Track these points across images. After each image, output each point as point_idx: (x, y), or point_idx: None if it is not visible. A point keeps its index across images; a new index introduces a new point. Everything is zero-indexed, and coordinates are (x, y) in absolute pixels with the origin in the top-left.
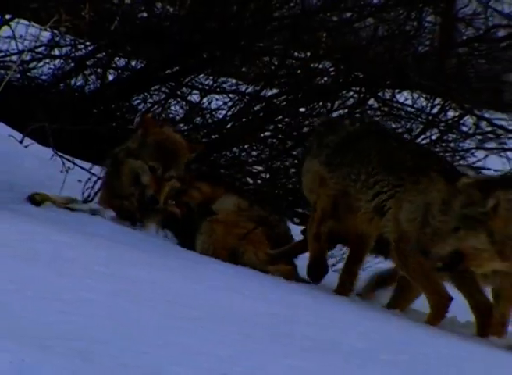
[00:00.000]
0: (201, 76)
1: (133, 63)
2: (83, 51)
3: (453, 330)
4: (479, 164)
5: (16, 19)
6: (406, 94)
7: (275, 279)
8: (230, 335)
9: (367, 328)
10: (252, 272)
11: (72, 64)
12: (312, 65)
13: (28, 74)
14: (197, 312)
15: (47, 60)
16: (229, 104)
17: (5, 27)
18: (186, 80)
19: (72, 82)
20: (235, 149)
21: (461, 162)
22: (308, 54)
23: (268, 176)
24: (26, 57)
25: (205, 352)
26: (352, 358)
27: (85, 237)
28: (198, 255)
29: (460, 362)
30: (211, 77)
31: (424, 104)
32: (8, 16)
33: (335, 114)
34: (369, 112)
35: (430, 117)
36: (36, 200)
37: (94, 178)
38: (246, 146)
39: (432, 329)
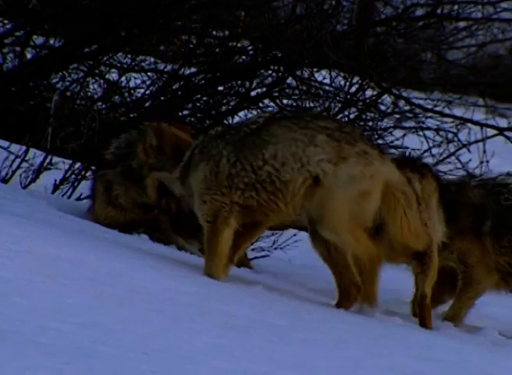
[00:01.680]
0: (120, 54)
1: (52, 41)
2: (1, 29)
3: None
4: (397, 143)
5: None
6: (324, 73)
7: (196, 258)
8: (149, 313)
9: (285, 307)
10: (173, 251)
11: None
12: (230, 44)
13: None
14: (117, 290)
15: None
16: (148, 82)
17: None
18: (105, 58)
19: None
20: None
21: (380, 141)
22: (227, 33)
23: None
24: None
25: (124, 330)
26: (270, 336)
27: (1, 216)
28: (120, 234)
29: (376, 338)
30: (129, 56)
31: (342, 83)
32: None
33: (253, 93)
34: (287, 90)
35: (348, 96)
36: None
37: (12, 157)
38: None
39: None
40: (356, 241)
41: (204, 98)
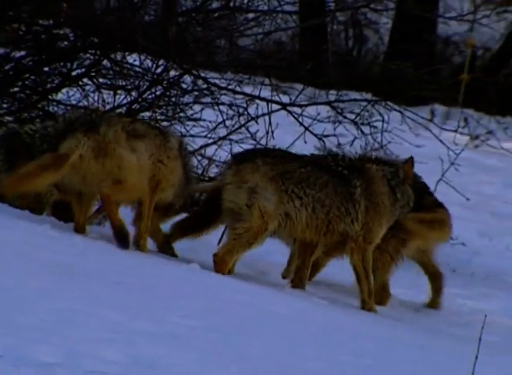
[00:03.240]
0: None
1: None
2: None
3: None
4: (197, 116)
5: None
6: (134, 56)
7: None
8: None
9: (100, 251)
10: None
11: None
12: (55, 31)
13: None
14: None
15: None
16: None
17: None
18: None
19: None
20: None
21: (181, 115)
22: (51, 21)
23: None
24: None
25: None
26: (85, 279)
27: None
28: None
29: (180, 282)
30: None
31: (150, 64)
32: None
33: (74, 73)
34: (103, 71)
35: (155, 76)
36: None
37: None
38: None
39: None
40: None
41: (32, 77)
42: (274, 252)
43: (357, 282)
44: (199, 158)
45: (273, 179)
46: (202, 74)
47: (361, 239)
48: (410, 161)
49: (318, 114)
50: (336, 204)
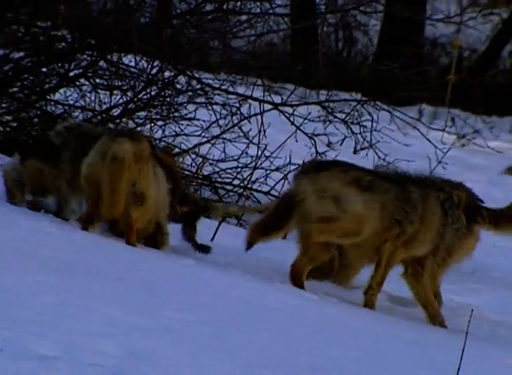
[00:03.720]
0: None
1: None
2: None
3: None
4: (191, 115)
5: None
6: (130, 57)
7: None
8: None
9: (99, 248)
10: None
11: None
12: (52, 32)
13: None
14: None
15: None
16: None
17: None
18: None
19: None
20: None
21: (176, 114)
22: (49, 23)
23: (15, 125)
24: None
25: None
26: (86, 276)
27: None
28: None
29: (176, 277)
30: None
31: (145, 65)
32: None
33: (71, 73)
34: (100, 71)
35: (150, 76)
36: None
37: None
38: None
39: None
40: None
41: (31, 78)
42: (265, 248)
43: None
44: (193, 156)
45: (351, 183)
46: (196, 75)
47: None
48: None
49: (309, 113)
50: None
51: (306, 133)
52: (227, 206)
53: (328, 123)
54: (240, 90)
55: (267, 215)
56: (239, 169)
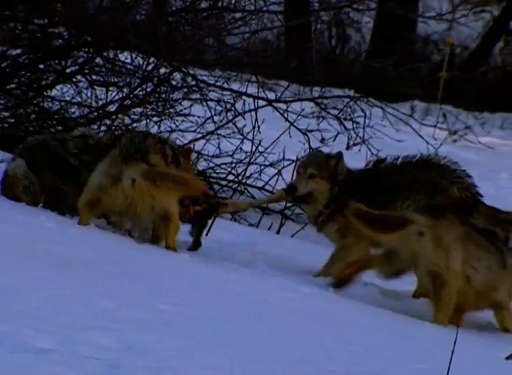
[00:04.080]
0: None
1: None
2: None
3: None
4: (186, 111)
5: None
6: (126, 54)
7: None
8: None
9: (95, 243)
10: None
11: None
12: (49, 30)
13: None
14: None
15: None
16: None
17: None
18: None
19: None
20: None
21: (171, 110)
22: (46, 21)
23: (13, 121)
24: None
25: None
26: (83, 270)
27: None
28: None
29: (169, 272)
30: None
31: (141, 62)
32: None
33: (68, 70)
34: (96, 68)
35: (146, 73)
36: None
37: None
38: None
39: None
40: None
41: (28, 75)
42: (260, 243)
43: None
44: None
45: (461, 239)
46: (191, 71)
47: None
48: None
49: (303, 110)
50: None
51: (299, 129)
52: (237, 202)
53: (321, 119)
54: (235, 86)
55: None
56: (233, 165)
